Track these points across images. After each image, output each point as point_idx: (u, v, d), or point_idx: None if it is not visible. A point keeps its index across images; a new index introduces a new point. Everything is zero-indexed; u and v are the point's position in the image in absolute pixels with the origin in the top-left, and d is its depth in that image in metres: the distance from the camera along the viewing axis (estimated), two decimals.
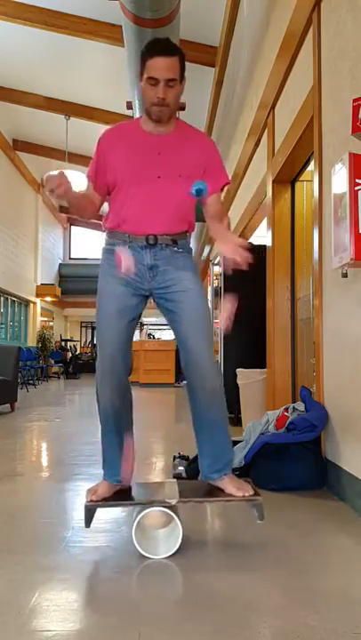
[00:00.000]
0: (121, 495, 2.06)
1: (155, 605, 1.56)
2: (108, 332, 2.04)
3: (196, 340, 2.01)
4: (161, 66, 1.91)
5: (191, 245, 2.18)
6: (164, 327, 13.35)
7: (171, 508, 1.92)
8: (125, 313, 2.05)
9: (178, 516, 1.91)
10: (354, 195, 2.20)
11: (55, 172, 1.82)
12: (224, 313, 1.97)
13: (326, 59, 2.90)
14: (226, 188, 2.25)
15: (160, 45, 1.95)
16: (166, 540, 1.94)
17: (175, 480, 2.35)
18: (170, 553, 1.87)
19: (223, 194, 2.18)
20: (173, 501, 1.92)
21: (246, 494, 1.97)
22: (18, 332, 13.59)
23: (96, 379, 2.08)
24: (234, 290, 5.55)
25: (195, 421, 2.09)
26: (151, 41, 1.98)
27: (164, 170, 2.02)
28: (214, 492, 2.04)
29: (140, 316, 2.14)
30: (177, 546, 1.88)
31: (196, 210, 2.14)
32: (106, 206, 2.18)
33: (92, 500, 2.00)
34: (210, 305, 7.12)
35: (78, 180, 2.16)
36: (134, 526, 1.90)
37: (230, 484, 2.01)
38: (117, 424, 2.07)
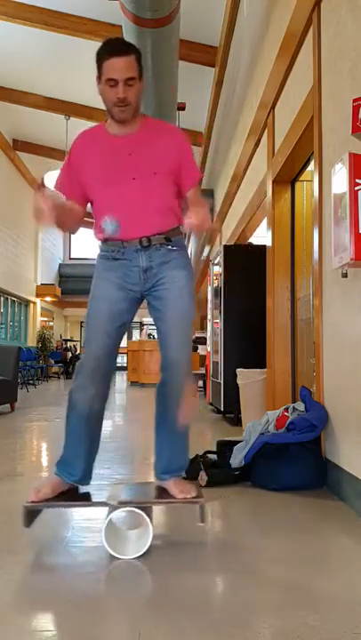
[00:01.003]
0: (65, 496, 2.03)
1: (155, 605, 1.56)
2: (96, 335, 2.03)
3: (177, 338, 2.02)
4: (118, 66, 1.88)
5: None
6: None
7: (143, 509, 1.92)
8: (117, 317, 2.05)
9: (150, 518, 1.91)
10: (354, 195, 2.20)
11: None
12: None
13: (326, 59, 2.90)
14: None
15: (115, 45, 1.93)
16: (137, 541, 1.94)
17: (121, 482, 2.36)
18: (139, 554, 1.86)
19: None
20: (113, 503, 1.92)
21: (188, 496, 1.96)
22: (18, 331, 13.59)
23: (75, 379, 2.06)
24: (234, 289, 5.59)
25: (159, 420, 2.11)
26: (105, 42, 1.95)
27: (138, 170, 2.00)
28: (160, 494, 2.04)
29: (131, 321, 2.13)
30: (147, 547, 1.87)
31: None
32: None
33: (32, 501, 1.97)
34: (209, 305, 7.12)
35: None
36: (104, 526, 1.89)
37: (174, 486, 2.01)
38: (91, 426, 2.06)
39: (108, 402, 2.12)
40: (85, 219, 2.18)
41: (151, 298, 2.07)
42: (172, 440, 2.10)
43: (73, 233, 2.24)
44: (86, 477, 2.08)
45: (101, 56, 1.92)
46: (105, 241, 2.08)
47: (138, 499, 2.03)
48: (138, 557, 1.86)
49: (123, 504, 1.93)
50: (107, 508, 1.94)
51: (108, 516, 1.91)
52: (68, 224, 2.15)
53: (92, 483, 2.11)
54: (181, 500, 1.97)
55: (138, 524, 2.01)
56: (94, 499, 2.06)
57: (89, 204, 2.13)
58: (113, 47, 1.92)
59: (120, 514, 1.95)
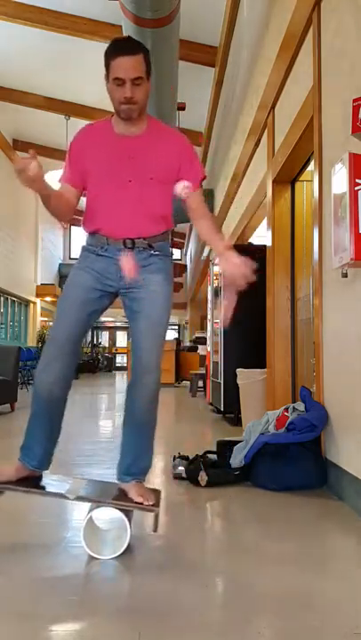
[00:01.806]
0: (24, 482, 2.02)
1: (155, 606, 1.56)
2: (65, 320, 2.04)
3: (148, 341, 2.03)
4: (126, 66, 1.89)
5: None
6: None
7: (123, 510, 1.92)
8: (88, 305, 2.05)
9: (129, 519, 1.91)
10: (354, 195, 2.20)
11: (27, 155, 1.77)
12: (224, 310, 1.96)
13: (326, 59, 2.90)
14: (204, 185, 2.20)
15: (123, 45, 1.94)
16: (114, 542, 1.94)
17: (88, 479, 2.36)
18: (116, 554, 1.87)
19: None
20: (70, 497, 1.93)
21: (145, 503, 1.95)
22: (18, 331, 13.59)
23: (40, 362, 2.06)
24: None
25: (127, 420, 2.10)
26: (113, 41, 1.95)
27: (136, 173, 2.01)
28: (119, 495, 2.02)
29: (102, 312, 2.14)
30: (123, 547, 1.87)
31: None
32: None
33: None
34: (209, 305, 7.12)
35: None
36: (84, 524, 1.90)
37: (134, 489, 2.00)
38: (51, 412, 2.06)
39: (115, 399, 2.12)
40: (75, 217, 2.16)
41: (126, 299, 2.09)
42: (137, 442, 2.10)
43: (64, 221, 2.24)
44: (43, 463, 2.07)
45: (109, 55, 1.92)
46: (92, 233, 2.09)
47: (96, 497, 2.01)
48: (138, 558, 1.86)
49: (79, 499, 1.94)
50: (88, 506, 1.95)
51: (88, 513, 1.91)
52: (56, 206, 2.07)
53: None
54: (137, 506, 1.95)
55: (117, 525, 2.00)
56: (55, 490, 2.05)
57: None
58: (121, 46, 1.93)
59: (100, 513, 1.95)
